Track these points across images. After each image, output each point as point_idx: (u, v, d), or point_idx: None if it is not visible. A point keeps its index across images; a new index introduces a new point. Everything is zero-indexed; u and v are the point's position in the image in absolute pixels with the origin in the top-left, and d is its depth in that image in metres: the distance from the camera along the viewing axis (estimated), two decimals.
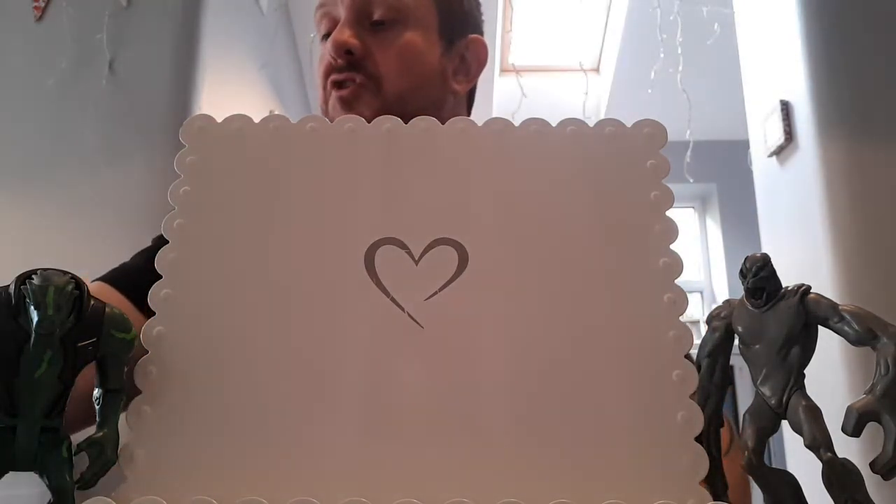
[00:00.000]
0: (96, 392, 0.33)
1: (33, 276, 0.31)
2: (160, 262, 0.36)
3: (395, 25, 0.68)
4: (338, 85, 0.67)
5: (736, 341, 0.35)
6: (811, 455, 0.30)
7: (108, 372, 0.33)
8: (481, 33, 0.77)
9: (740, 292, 0.35)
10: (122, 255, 0.70)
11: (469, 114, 0.76)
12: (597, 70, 3.25)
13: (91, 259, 0.73)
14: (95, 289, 0.63)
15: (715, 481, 0.34)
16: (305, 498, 0.31)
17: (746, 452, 0.32)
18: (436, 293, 0.36)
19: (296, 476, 0.32)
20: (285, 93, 2.68)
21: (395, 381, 0.34)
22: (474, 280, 0.36)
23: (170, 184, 0.39)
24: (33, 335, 0.30)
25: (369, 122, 0.41)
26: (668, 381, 0.34)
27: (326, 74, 0.68)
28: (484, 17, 0.79)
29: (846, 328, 0.31)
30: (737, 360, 0.34)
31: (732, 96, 2.05)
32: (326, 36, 0.70)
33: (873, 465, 0.29)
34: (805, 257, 1.56)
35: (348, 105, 0.66)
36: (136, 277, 0.62)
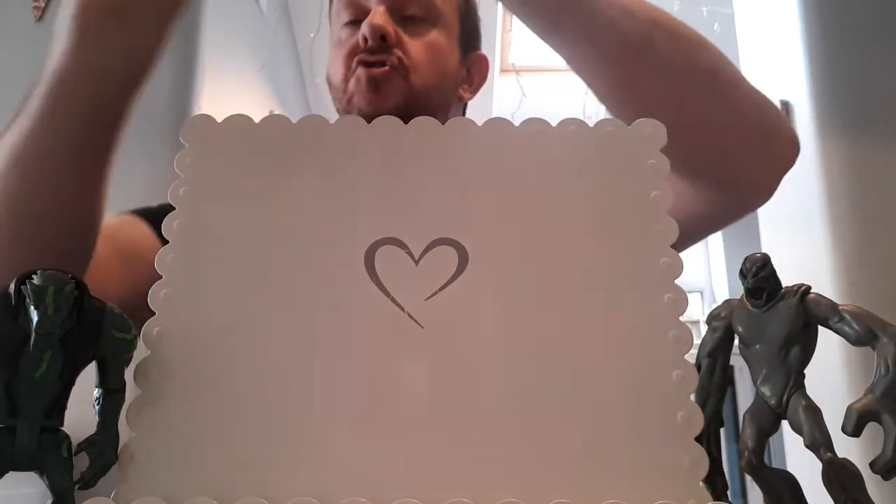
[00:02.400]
0: (96, 392, 0.33)
1: (33, 276, 0.31)
2: (160, 262, 0.36)
3: (424, 23, 0.69)
4: (367, 64, 0.66)
5: (736, 341, 0.35)
6: (811, 455, 0.30)
7: (108, 372, 0.33)
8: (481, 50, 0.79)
9: (740, 292, 0.35)
10: None
11: None
12: None
13: None
14: (127, 220, 0.62)
15: (715, 481, 0.34)
16: (305, 498, 0.31)
17: (746, 452, 0.32)
18: (436, 293, 0.36)
19: (296, 476, 0.32)
20: (285, 93, 2.68)
21: (395, 381, 0.34)
22: (474, 280, 0.36)
23: (170, 184, 0.39)
24: (33, 335, 0.30)
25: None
26: (668, 381, 0.34)
27: (351, 55, 0.67)
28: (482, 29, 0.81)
29: (846, 328, 0.31)
30: (737, 360, 0.34)
31: None
32: (351, 23, 0.70)
33: (873, 465, 0.29)
34: (805, 257, 1.56)
35: (376, 85, 0.65)
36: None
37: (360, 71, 0.66)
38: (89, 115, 0.47)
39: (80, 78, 0.47)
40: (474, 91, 0.77)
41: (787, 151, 0.59)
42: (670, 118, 0.41)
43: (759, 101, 0.57)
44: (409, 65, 0.66)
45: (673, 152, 0.43)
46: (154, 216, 0.64)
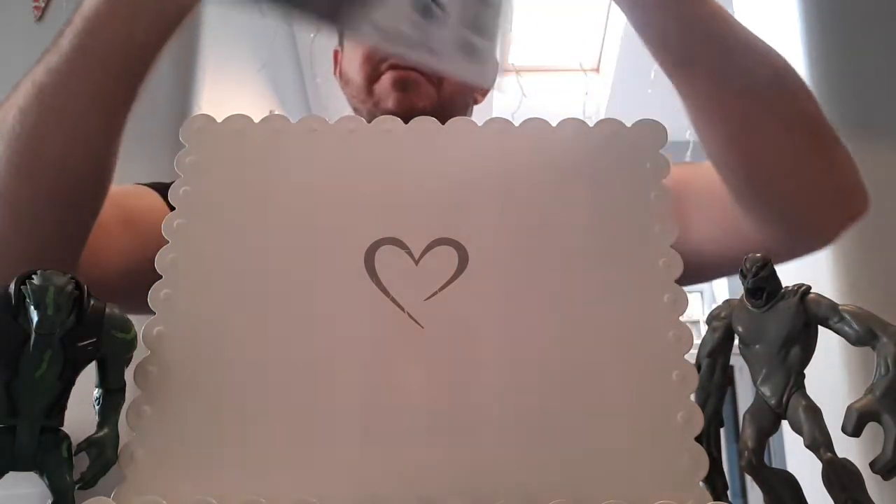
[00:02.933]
0: (96, 392, 0.33)
1: (33, 276, 0.31)
2: (160, 263, 0.36)
3: None
4: (396, 67, 0.64)
5: (736, 341, 0.35)
6: (811, 455, 0.30)
7: (108, 372, 0.33)
8: None
9: (740, 292, 0.35)
10: None
11: None
12: (597, 70, 3.25)
13: None
14: (134, 189, 0.61)
15: (715, 481, 0.34)
16: (305, 498, 0.31)
17: (746, 452, 0.32)
18: (436, 293, 0.36)
19: (296, 476, 0.32)
20: (285, 93, 2.67)
21: (394, 381, 0.34)
22: (474, 280, 0.36)
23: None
24: (33, 335, 0.30)
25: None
26: (668, 381, 0.34)
27: (374, 53, 0.65)
28: None
29: (846, 328, 0.31)
30: (737, 360, 0.34)
31: None
32: None
33: (873, 465, 0.29)
34: (805, 257, 1.56)
35: (404, 85, 0.63)
36: None
37: (388, 74, 0.64)
38: (115, 59, 0.47)
39: (111, 18, 0.46)
40: (485, 94, 0.76)
41: (861, 209, 0.59)
42: (778, 165, 0.41)
43: (848, 157, 0.56)
44: (443, 77, 0.64)
45: (759, 193, 0.42)
46: (164, 189, 0.64)
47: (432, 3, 0.32)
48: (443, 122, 0.41)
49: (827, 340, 0.33)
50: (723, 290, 3.38)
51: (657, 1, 0.47)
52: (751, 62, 0.49)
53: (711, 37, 0.49)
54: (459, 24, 0.33)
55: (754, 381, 0.33)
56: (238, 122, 0.41)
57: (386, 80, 0.65)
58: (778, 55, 0.52)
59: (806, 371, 0.32)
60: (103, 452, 0.32)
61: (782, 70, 0.52)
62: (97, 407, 0.33)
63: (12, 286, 0.31)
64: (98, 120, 0.48)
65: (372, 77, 0.66)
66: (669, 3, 0.47)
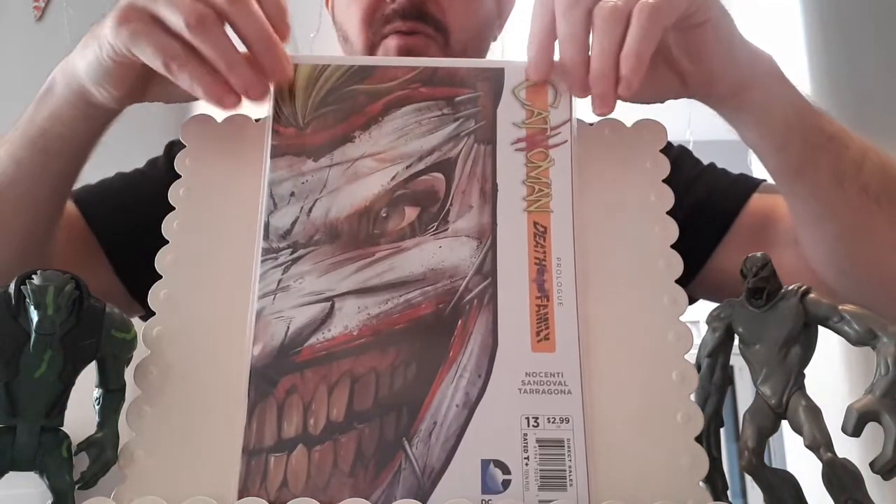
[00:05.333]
0: (96, 392, 0.33)
1: (33, 277, 0.31)
2: (160, 263, 0.36)
3: None
4: (400, 32, 0.58)
5: (736, 341, 0.35)
6: (811, 455, 0.30)
7: (109, 372, 0.33)
8: None
9: None
10: None
11: None
12: None
13: None
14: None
15: (715, 481, 0.34)
16: (306, 498, 0.31)
17: (746, 452, 0.32)
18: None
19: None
20: None
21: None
22: None
23: None
24: (33, 335, 0.30)
25: None
26: (668, 381, 0.34)
27: (372, 12, 0.59)
28: None
29: (846, 328, 0.31)
30: (737, 360, 0.34)
31: None
32: None
33: (873, 465, 0.29)
34: None
35: (408, 52, 0.57)
36: (109, 202, 0.59)
37: (391, 41, 0.58)
38: (44, 160, 0.45)
39: (42, 123, 0.45)
40: (502, 26, 0.69)
41: None
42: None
43: None
44: (449, 26, 0.59)
45: (865, 294, 0.42)
46: (88, 199, 0.60)
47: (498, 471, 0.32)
48: None
49: (827, 340, 0.33)
50: None
51: (779, 98, 0.44)
52: (860, 158, 0.46)
53: (825, 133, 0.46)
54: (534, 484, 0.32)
55: (754, 381, 0.33)
56: (238, 122, 0.40)
57: (390, 46, 0.58)
58: (882, 151, 0.48)
59: (806, 371, 0.32)
60: (103, 452, 0.32)
61: (890, 168, 0.48)
62: (97, 407, 0.33)
63: (12, 286, 0.31)
64: (23, 220, 0.46)
65: (373, 42, 0.59)
66: (787, 96, 0.44)
